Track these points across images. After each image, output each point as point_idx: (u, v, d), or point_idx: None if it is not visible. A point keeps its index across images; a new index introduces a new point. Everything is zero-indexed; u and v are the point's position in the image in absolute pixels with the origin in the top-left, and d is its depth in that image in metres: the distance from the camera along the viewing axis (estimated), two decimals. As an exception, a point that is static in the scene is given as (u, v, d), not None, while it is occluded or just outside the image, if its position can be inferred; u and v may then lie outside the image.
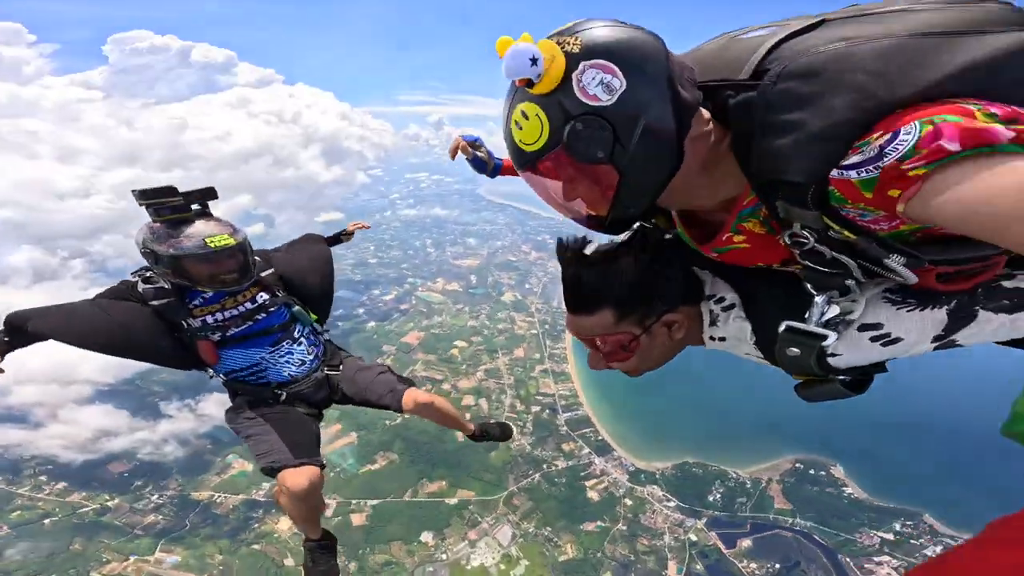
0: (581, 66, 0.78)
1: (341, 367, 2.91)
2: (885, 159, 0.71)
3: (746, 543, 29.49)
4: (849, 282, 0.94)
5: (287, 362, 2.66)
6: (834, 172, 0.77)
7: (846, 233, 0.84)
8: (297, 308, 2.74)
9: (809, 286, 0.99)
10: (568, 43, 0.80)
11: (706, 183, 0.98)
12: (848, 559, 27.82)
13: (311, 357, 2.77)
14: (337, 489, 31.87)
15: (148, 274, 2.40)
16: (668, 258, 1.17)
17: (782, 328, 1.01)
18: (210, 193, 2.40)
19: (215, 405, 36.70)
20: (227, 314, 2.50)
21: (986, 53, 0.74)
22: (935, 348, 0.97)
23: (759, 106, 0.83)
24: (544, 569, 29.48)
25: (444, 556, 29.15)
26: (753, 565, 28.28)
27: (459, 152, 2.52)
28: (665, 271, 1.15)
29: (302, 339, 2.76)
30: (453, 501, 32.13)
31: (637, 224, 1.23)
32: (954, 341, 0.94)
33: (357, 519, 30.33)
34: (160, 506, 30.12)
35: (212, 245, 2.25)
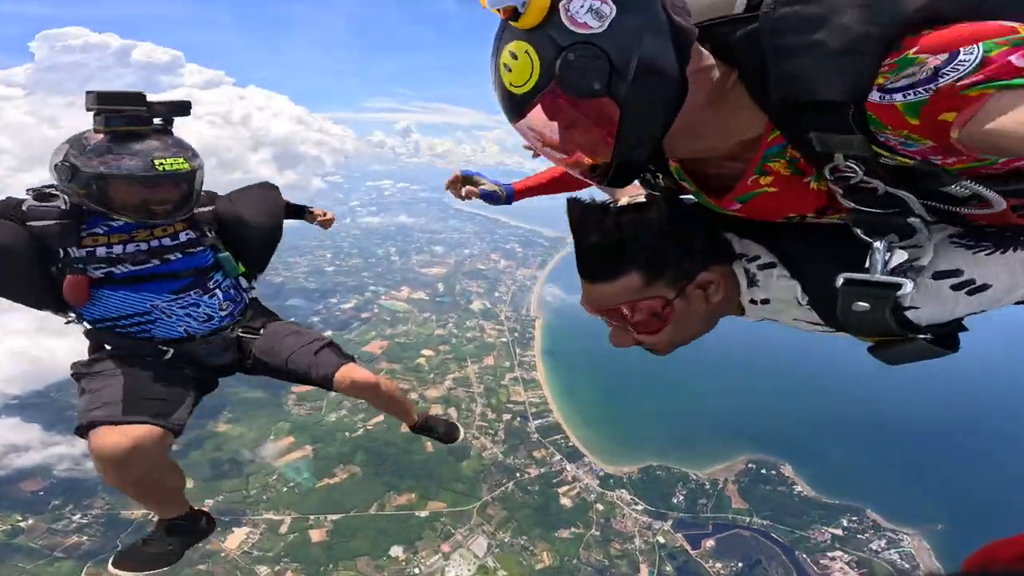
0: None
1: (262, 331, 2.42)
2: (942, 79, 0.64)
3: (710, 543, 31.20)
4: (913, 220, 0.81)
5: (187, 315, 2.18)
6: (874, 95, 0.70)
7: (900, 159, 0.75)
8: (225, 254, 2.31)
9: (860, 232, 0.86)
10: None
11: (715, 120, 0.89)
12: (804, 555, 29.92)
13: (223, 313, 2.30)
14: (292, 504, 30.51)
15: (47, 190, 1.97)
16: (691, 211, 1.07)
17: (840, 282, 0.88)
18: (183, 108, 2.02)
19: None
20: (129, 248, 2.04)
21: None
22: None
23: (765, 33, 0.77)
24: (522, 579, 29.76)
25: (417, 571, 28.45)
26: (718, 565, 29.94)
27: (464, 192, 2.25)
28: (693, 224, 1.03)
29: (217, 291, 2.29)
30: (424, 513, 31.40)
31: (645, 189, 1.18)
32: None
33: (316, 535, 29.06)
34: (84, 526, 27.80)
35: (160, 168, 1.86)
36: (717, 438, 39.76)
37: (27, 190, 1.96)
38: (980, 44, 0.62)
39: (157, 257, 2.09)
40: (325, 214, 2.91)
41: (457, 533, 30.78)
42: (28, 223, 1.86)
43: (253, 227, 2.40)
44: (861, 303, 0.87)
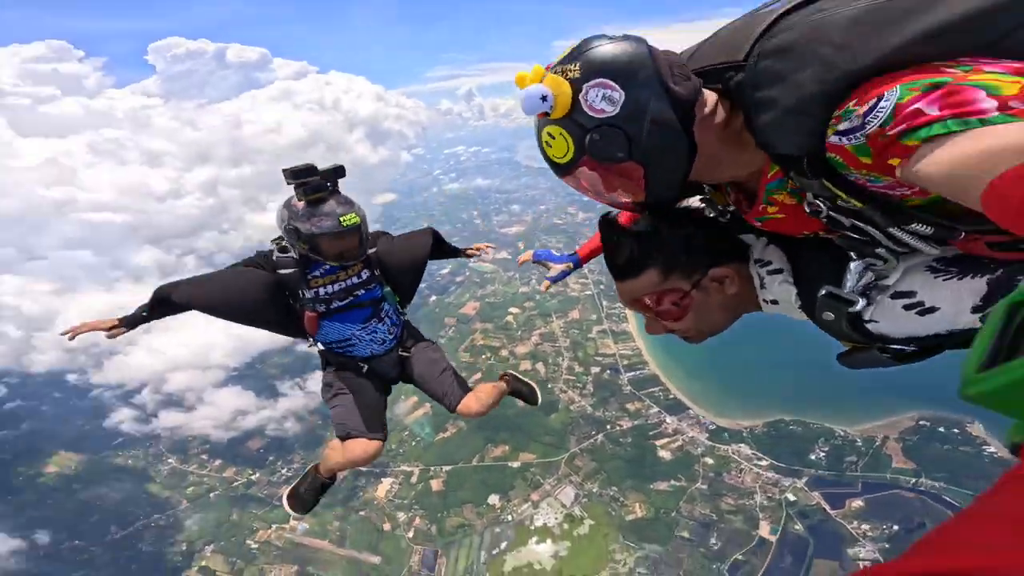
0: (584, 88, 0.89)
1: (413, 350, 3.03)
2: (868, 127, 0.74)
3: (857, 503, 25.06)
4: (880, 250, 0.93)
5: (371, 339, 2.79)
6: (832, 138, 0.80)
7: (854, 201, 0.87)
8: (388, 288, 2.83)
9: (852, 253, 0.99)
10: (569, 71, 0.91)
11: (730, 155, 1.01)
12: None
13: (391, 337, 2.88)
14: (419, 457, 33.69)
15: (284, 243, 2.51)
16: (702, 216, 1.21)
17: (822, 292, 1.02)
18: (340, 172, 2.44)
19: (319, 382, 41.32)
20: (336, 287, 2.60)
21: (969, 8, 0.73)
22: (980, 319, 0.89)
23: (747, 85, 0.90)
24: (611, 528, 27.27)
25: (510, 517, 29.06)
26: (865, 526, 23.93)
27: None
28: (702, 226, 1.18)
29: (386, 318, 2.84)
30: (516, 464, 32.15)
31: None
32: None
33: (436, 484, 31.91)
34: (289, 478, 31.89)
35: (344, 224, 2.35)
36: (874, 392, 31.53)
37: (271, 241, 2.61)
38: (897, 89, 0.72)
39: (350, 294, 2.68)
40: (479, 249, 3.40)
41: (546, 483, 30.67)
42: (278, 271, 2.54)
43: (405, 274, 2.93)
44: (828, 313, 1.03)
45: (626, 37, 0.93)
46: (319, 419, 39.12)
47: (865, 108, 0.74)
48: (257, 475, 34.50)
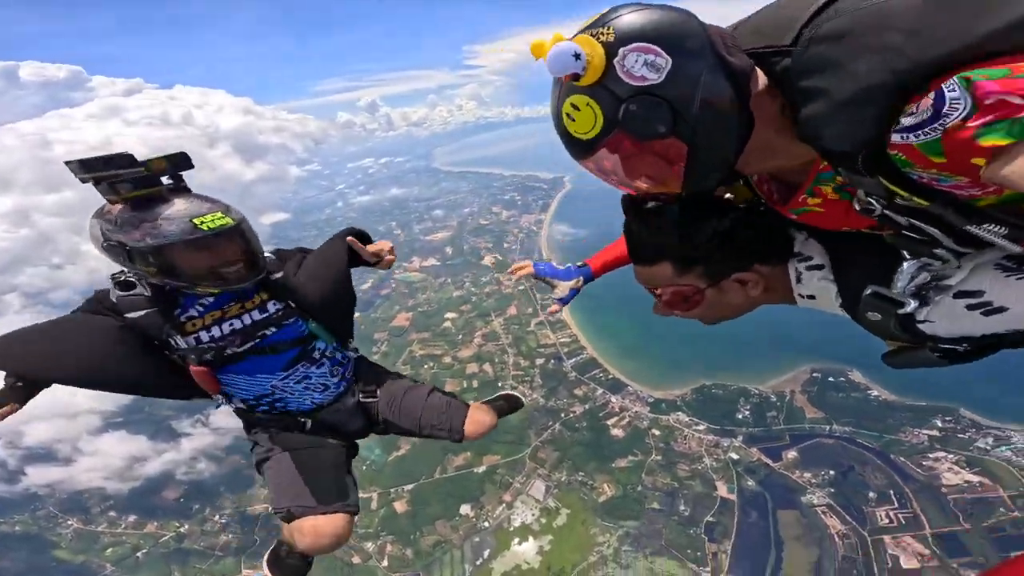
0: (621, 52, 0.74)
1: (379, 392, 2.16)
2: (946, 120, 0.62)
3: (792, 454, 26.95)
4: (939, 251, 0.80)
5: (306, 388, 1.92)
6: (895, 136, 0.67)
7: (917, 200, 0.73)
8: (314, 325, 1.94)
9: (905, 252, 0.85)
10: (602, 34, 0.75)
11: (781, 143, 0.86)
12: (902, 458, 25.67)
13: (335, 379, 2.01)
14: (373, 481, 29.96)
15: (124, 278, 1.62)
16: (738, 216, 1.04)
17: (867, 292, 0.91)
18: (183, 160, 1.57)
19: (226, 416, 34.93)
20: (225, 328, 1.74)
21: None
22: None
23: (794, 72, 0.76)
24: (587, 513, 26.30)
25: (486, 524, 26.67)
26: (807, 475, 25.75)
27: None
28: (734, 229, 1.02)
29: (323, 359, 1.98)
30: (481, 469, 29.89)
31: None
32: None
33: (400, 506, 28.45)
34: (226, 526, 28.71)
35: (204, 227, 1.51)
36: (769, 351, 35.10)
37: (110, 277, 1.66)
38: (978, 74, 0.60)
39: (252, 337, 1.81)
40: (385, 252, 2.21)
41: (515, 482, 28.87)
42: (125, 316, 1.63)
43: (319, 304, 1.96)
44: (874, 314, 0.91)
45: (666, 4, 0.77)
46: (241, 459, 33.17)
47: (937, 100, 0.62)
48: (186, 527, 29.11)
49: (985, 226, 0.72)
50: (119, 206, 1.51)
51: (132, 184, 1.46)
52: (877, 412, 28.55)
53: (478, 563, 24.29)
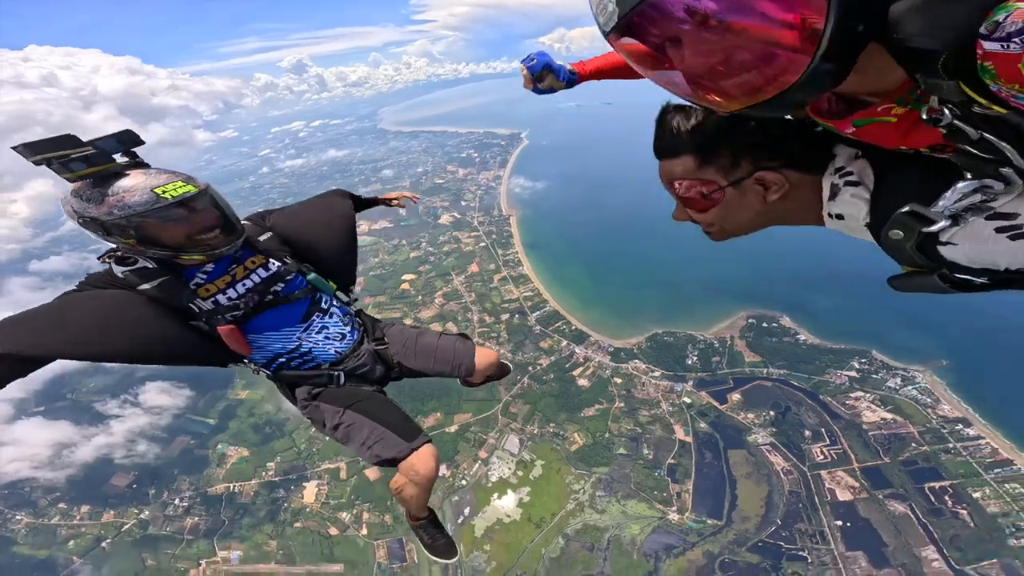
0: None
1: (386, 337, 2.13)
2: None
3: (736, 396, 27.80)
4: (1005, 170, 0.67)
5: (326, 337, 1.90)
6: (987, 43, 0.54)
7: (995, 108, 0.61)
8: (313, 275, 1.92)
9: (968, 172, 0.72)
10: None
11: (880, 57, 0.69)
12: (828, 398, 26.99)
13: (348, 327, 2.00)
14: (339, 450, 27.04)
15: (119, 253, 1.54)
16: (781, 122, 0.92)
17: (904, 210, 0.78)
18: (132, 137, 1.48)
19: (156, 393, 33.42)
20: (240, 288, 1.72)
21: None
22: None
23: None
24: (560, 463, 25.95)
25: (464, 482, 25.23)
26: (751, 415, 26.70)
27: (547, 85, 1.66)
28: (764, 122, 0.89)
29: (332, 309, 1.97)
30: (453, 428, 28.01)
31: None
32: None
33: (372, 473, 25.81)
34: (188, 508, 26.02)
35: (167, 195, 1.44)
36: (710, 299, 35.85)
37: (99, 258, 1.60)
38: None
39: (267, 292, 1.81)
40: (407, 197, 2.47)
41: (489, 438, 27.81)
42: (138, 288, 1.57)
43: (324, 244, 2.00)
44: (896, 232, 0.81)
45: None
46: (190, 439, 30.15)
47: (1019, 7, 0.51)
48: (146, 512, 26.09)
49: None
50: (78, 184, 1.44)
51: (84, 162, 1.39)
52: (806, 355, 29.92)
53: (459, 521, 23.32)
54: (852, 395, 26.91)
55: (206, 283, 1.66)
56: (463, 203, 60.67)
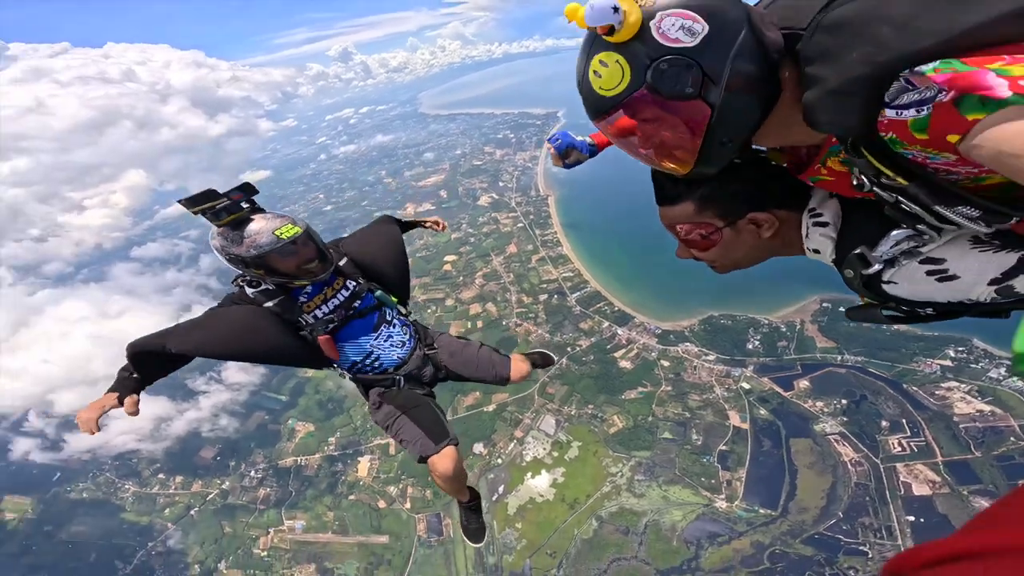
0: (659, 15, 0.74)
1: (436, 345, 2.60)
2: (927, 101, 0.63)
3: (804, 384, 25.28)
4: (922, 226, 0.81)
5: (391, 345, 2.35)
6: (888, 112, 0.67)
7: (899, 180, 0.75)
8: (380, 292, 2.37)
9: (901, 222, 0.87)
10: None
11: (799, 120, 0.84)
12: (914, 388, 23.95)
13: (407, 337, 2.42)
14: None
15: (248, 278, 2.03)
16: (756, 159, 1.06)
17: (856, 251, 0.92)
18: (250, 188, 1.97)
19: (236, 371, 36.99)
20: (330, 305, 2.19)
21: None
22: (995, 292, 0.79)
23: (802, 57, 0.77)
24: (598, 445, 25.06)
25: (499, 461, 25.48)
26: (819, 403, 24.22)
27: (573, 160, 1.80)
28: (751, 170, 1.04)
29: (394, 321, 2.41)
30: (491, 408, 28.39)
31: None
32: (1012, 287, 0.77)
33: None
34: (262, 480, 28.60)
35: (284, 236, 1.91)
36: (777, 282, 32.36)
37: (231, 282, 2.08)
38: (954, 62, 0.61)
39: (348, 308, 2.22)
40: (437, 223, 2.88)
41: (525, 418, 27.34)
42: (265, 305, 2.01)
43: (386, 266, 2.44)
44: (848, 271, 0.94)
45: None
46: (265, 414, 32.84)
47: (924, 82, 0.62)
48: (227, 483, 28.81)
49: (958, 208, 0.72)
50: (222, 228, 1.90)
51: (226, 211, 1.86)
52: (890, 342, 26.49)
53: (494, 499, 23.36)
54: (943, 385, 23.64)
55: (307, 301, 2.11)
56: (501, 184, 60.43)
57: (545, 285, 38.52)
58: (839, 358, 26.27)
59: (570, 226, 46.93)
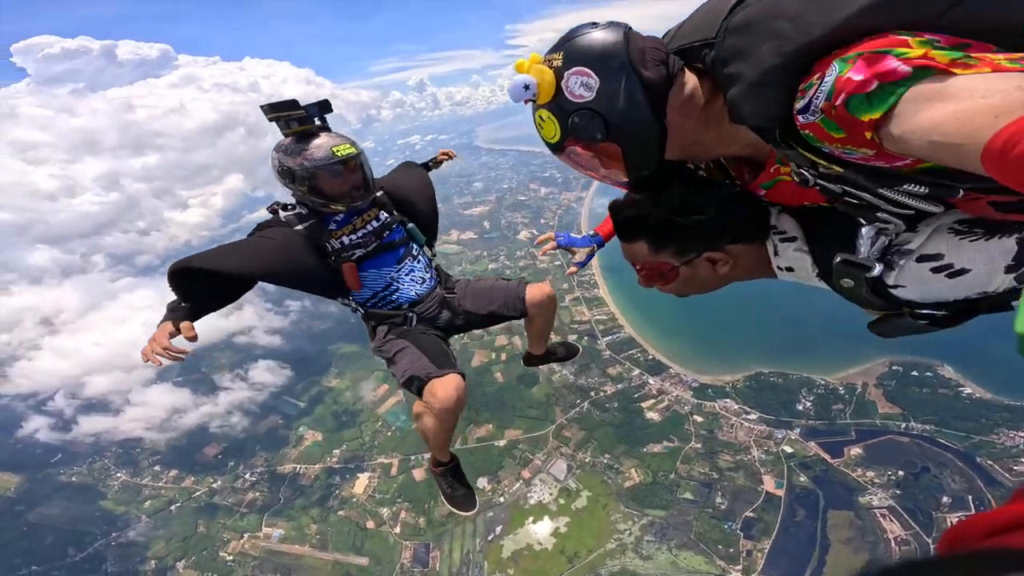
0: (565, 76, 0.97)
1: (456, 288, 2.68)
2: (815, 103, 0.73)
3: (855, 451, 24.21)
4: (881, 215, 0.88)
5: (412, 280, 2.50)
6: (799, 116, 0.77)
7: (834, 167, 0.82)
8: (411, 225, 2.57)
9: (861, 220, 0.94)
10: (554, 60, 0.98)
11: (715, 136, 1.04)
12: (989, 461, 22.39)
13: (429, 276, 2.58)
14: (396, 447, 31.11)
15: (284, 204, 2.34)
16: (709, 199, 1.14)
17: (837, 260, 0.98)
18: (326, 106, 2.21)
19: (263, 371, 40.36)
20: (359, 233, 2.37)
21: None
22: (1014, 279, 0.84)
23: (716, 62, 0.90)
24: (608, 498, 25.09)
25: (502, 499, 26.36)
26: (871, 473, 23.07)
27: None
28: (704, 212, 1.13)
29: (419, 256, 2.58)
30: (502, 443, 29.63)
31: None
32: None
33: (419, 474, 28.81)
34: (255, 483, 30.54)
35: (339, 154, 2.13)
36: (838, 341, 30.98)
37: (269, 207, 2.34)
38: (836, 62, 0.70)
39: (378, 237, 2.39)
40: (446, 153, 3.24)
41: (535, 458, 28.30)
42: (296, 228, 2.22)
43: (419, 207, 2.63)
44: (847, 280, 0.99)
45: (608, 24, 0.97)
46: (280, 418, 35.46)
47: (813, 84, 0.73)
48: (219, 482, 31.00)
49: (904, 187, 0.79)
50: (289, 139, 2.12)
51: (298, 122, 2.08)
52: (968, 411, 24.89)
53: (489, 538, 23.97)
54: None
55: (336, 229, 2.27)
56: (542, 221, 64.10)
57: (576, 325, 39.86)
58: (903, 425, 24.97)
59: (610, 270, 48.52)
